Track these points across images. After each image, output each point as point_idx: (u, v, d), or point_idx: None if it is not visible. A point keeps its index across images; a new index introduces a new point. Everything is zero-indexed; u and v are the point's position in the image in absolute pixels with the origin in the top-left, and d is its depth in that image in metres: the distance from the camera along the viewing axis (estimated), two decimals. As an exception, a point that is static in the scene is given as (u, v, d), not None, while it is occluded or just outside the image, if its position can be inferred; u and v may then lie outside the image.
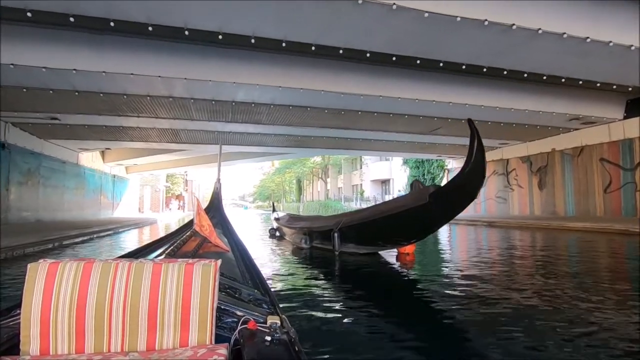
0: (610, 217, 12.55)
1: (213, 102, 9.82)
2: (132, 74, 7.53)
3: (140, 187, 30.79)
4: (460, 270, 5.38)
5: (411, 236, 5.35)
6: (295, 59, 7.94)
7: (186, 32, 6.24)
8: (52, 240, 7.83)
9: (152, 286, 1.22)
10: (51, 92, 8.52)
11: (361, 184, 38.45)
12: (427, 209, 4.44)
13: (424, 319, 3.18)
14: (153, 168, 25.53)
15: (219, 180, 4.96)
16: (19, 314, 1.20)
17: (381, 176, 34.50)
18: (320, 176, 47.07)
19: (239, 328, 1.24)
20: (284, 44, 6.59)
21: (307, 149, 18.35)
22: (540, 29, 6.05)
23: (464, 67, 7.63)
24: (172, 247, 2.18)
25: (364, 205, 28.90)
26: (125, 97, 9.09)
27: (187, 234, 2.61)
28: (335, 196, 40.19)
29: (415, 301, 3.81)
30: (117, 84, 8.30)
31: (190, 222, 3.13)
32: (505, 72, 7.98)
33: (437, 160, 23.76)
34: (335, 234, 6.02)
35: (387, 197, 30.21)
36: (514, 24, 5.91)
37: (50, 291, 1.17)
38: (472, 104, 10.19)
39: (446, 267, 5.67)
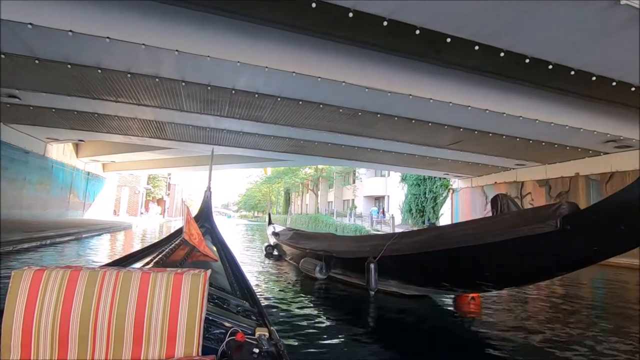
0: (645, 252, 11.21)
1: (209, 88, 8.10)
2: (108, 37, 5.82)
3: (118, 187, 28.41)
4: (553, 326, 3.75)
5: (511, 281, 3.52)
6: (316, 41, 6.38)
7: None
8: (-20, 248, 5.89)
9: (140, 296, 1.16)
10: (3, 56, 6.68)
11: (353, 199, 36.90)
12: (558, 241, 2.69)
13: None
14: (133, 167, 23.33)
15: (209, 188, 4.80)
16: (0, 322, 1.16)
17: (376, 192, 32.99)
18: (311, 188, 45.29)
19: (226, 339, 1.22)
20: (313, 4, 4.96)
21: (306, 156, 16.62)
22: (651, 9, 4.64)
23: (527, 60, 6.15)
24: (160, 256, 2.15)
25: (358, 222, 27.08)
26: (99, 71, 7.27)
27: (176, 242, 2.55)
28: (325, 210, 38.38)
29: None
30: (89, 52, 6.52)
31: (180, 231, 3.04)
32: (572, 72, 6.55)
33: (440, 178, 22.31)
34: (372, 265, 4.30)
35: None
36: (623, -1, 4.48)
37: (34, 299, 1.12)
38: (509, 114, 8.78)
39: (525, 319, 4.04)
